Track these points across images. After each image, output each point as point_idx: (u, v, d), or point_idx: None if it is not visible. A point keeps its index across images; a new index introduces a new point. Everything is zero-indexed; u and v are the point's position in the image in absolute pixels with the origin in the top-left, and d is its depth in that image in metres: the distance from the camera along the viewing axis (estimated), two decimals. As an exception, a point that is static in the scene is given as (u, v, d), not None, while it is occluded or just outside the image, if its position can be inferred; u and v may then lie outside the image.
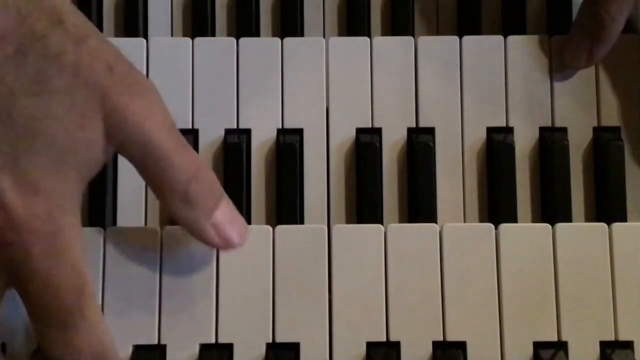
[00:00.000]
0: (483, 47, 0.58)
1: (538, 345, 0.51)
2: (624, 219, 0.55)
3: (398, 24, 0.62)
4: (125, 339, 0.50)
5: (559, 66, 0.57)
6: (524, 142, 0.57)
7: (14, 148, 0.42)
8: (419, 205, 0.55)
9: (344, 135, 0.56)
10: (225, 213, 0.49)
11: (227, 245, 0.49)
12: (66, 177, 0.44)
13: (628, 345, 0.51)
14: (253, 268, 0.52)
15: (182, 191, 0.46)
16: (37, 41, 0.42)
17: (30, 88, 0.42)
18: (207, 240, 0.49)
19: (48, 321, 0.44)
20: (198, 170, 0.47)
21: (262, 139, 0.56)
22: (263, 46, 0.57)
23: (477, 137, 0.57)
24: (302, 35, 0.61)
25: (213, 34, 0.60)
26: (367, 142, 0.56)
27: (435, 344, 0.51)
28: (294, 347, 0.50)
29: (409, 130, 0.57)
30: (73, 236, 0.44)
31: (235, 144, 0.55)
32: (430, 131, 0.57)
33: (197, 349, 0.51)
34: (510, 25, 0.61)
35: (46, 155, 0.43)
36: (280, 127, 0.56)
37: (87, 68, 0.44)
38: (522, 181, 0.57)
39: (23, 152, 0.43)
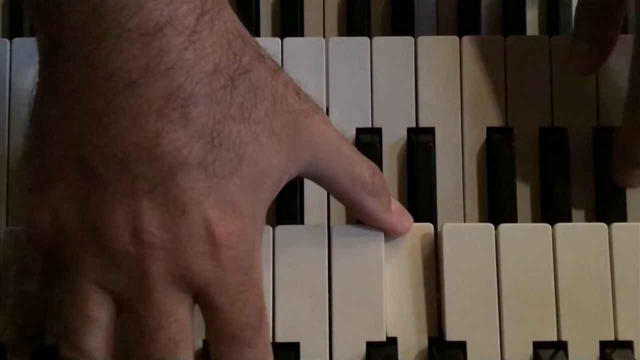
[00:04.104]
0: (483, 47, 0.58)
1: (538, 345, 0.51)
2: (624, 219, 0.55)
3: (398, 24, 0.62)
4: None
5: (559, 66, 0.57)
6: (524, 142, 0.57)
7: (220, 169, 0.45)
8: (419, 205, 0.55)
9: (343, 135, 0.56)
10: (395, 202, 0.53)
11: (405, 230, 0.53)
12: (259, 200, 0.47)
13: (628, 345, 0.51)
14: (253, 268, 0.52)
15: (370, 184, 0.51)
16: (244, 74, 0.46)
17: (238, 115, 0.46)
18: (392, 227, 0.52)
19: (228, 337, 0.46)
20: (375, 166, 0.52)
21: (262, 139, 0.56)
22: (263, 46, 0.56)
23: (477, 137, 0.57)
24: (302, 35, 0.61)
25: (213, 34, 0.60)
26: (367, 142, 0.56)
27: (435, 344, 0.51)
28: (294, 347, 0.50)
29: (409, 130, 0.57)
30: (260, 257, 0.48)
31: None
32: (430, 131, 0.57)
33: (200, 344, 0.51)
34: (510, 25, 0.61)
35: (248, 177, 0.46)
36: (280, 127, 0.56)
37: (281, 97, 0.48)
38: (522, 181, 0.57)
39: (228, 173, 0.46)
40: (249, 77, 0.47)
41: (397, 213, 0.52)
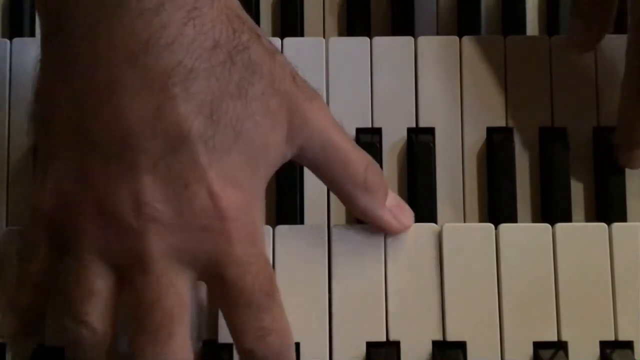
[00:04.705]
0: (483, 47, 0.58)
1: (538, 345, 0.51)
2: (624, 219, 0.55)
3: (398, 24, 0.62)
4: None
5: (558, 66, 0.57)
6: (524, 142, 0.57)
7: (220, 144, 0.46)
8: (419, 205, 0.55)
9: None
10: (392, 198, 0.53)
11: (402, 227, 0.52)
12: (258, 175, 0.48)
13: (628, 345, 0.51)
14: (253, 268, 0.52)
15: (362, 180, 0.50)
16: (243, 51, 0.47)
17: (235, 92, 0.46)
18: (386, 224, 0.52)
19: (244, 305, 0.47)
20: (370, 161, 0.51)
21: (262, 139, 0.56)
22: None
23: (477, 137, 0.57)
24: (302, 35, 0.61)
25: (213, 34, 0.60)
26: (367, 142, 0.56)
27: (435, 344, 0.51)
28: (294, 347, 0.50)
29: (409, 130, 0.57)
30: (262, 230, 0.49)
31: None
32: (430, 131, 0.57)
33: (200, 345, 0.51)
34: (510, 25, 0.61)
35: (245, 153, 0.47)
36: (280, 127, 0.56)
37: (279, 78, 0.48)
38: (522, 181, 0.57)
39: (226, 148, 0.46)
40: (248, 55, 0.47)
41: (394, 210, 0.52)
